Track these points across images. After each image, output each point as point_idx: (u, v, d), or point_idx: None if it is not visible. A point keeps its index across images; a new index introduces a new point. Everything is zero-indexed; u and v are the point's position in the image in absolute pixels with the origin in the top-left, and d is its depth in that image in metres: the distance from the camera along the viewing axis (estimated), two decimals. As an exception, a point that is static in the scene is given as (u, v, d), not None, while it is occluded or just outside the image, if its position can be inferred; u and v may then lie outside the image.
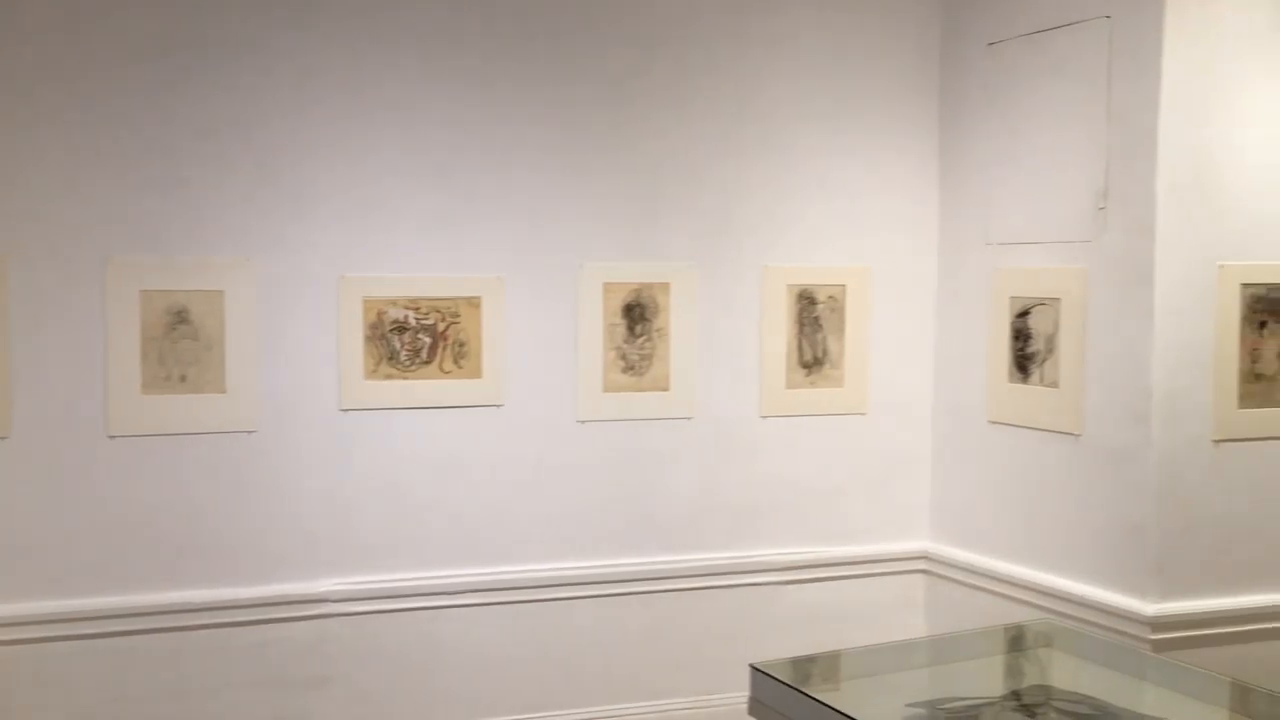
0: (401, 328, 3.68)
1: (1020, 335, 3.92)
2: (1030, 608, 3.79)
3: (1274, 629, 3.58)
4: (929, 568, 4.32)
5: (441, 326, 3.72)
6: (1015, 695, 2.37)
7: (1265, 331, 3.54)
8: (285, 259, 3.60)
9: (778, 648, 3.87)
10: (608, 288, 3.89)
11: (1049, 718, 2.24)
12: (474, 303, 3.75)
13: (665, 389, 3.98)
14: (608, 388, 3.91)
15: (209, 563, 3.58)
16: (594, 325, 3.88)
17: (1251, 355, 3.53)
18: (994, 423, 4.05)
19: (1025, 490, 3.93)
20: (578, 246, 3.88)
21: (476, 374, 3.76)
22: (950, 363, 4.27)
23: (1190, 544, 3.51)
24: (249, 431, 3.57)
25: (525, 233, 3.83)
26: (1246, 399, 3.54)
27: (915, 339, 4.31)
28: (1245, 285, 3.51)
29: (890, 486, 4.32)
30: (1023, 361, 3.92)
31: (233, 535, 3.59)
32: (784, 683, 2.35)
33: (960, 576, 4.18)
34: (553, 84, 3.83)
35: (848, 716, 2.17)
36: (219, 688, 3.59)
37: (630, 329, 3.94)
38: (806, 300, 4.15)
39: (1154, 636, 3.44)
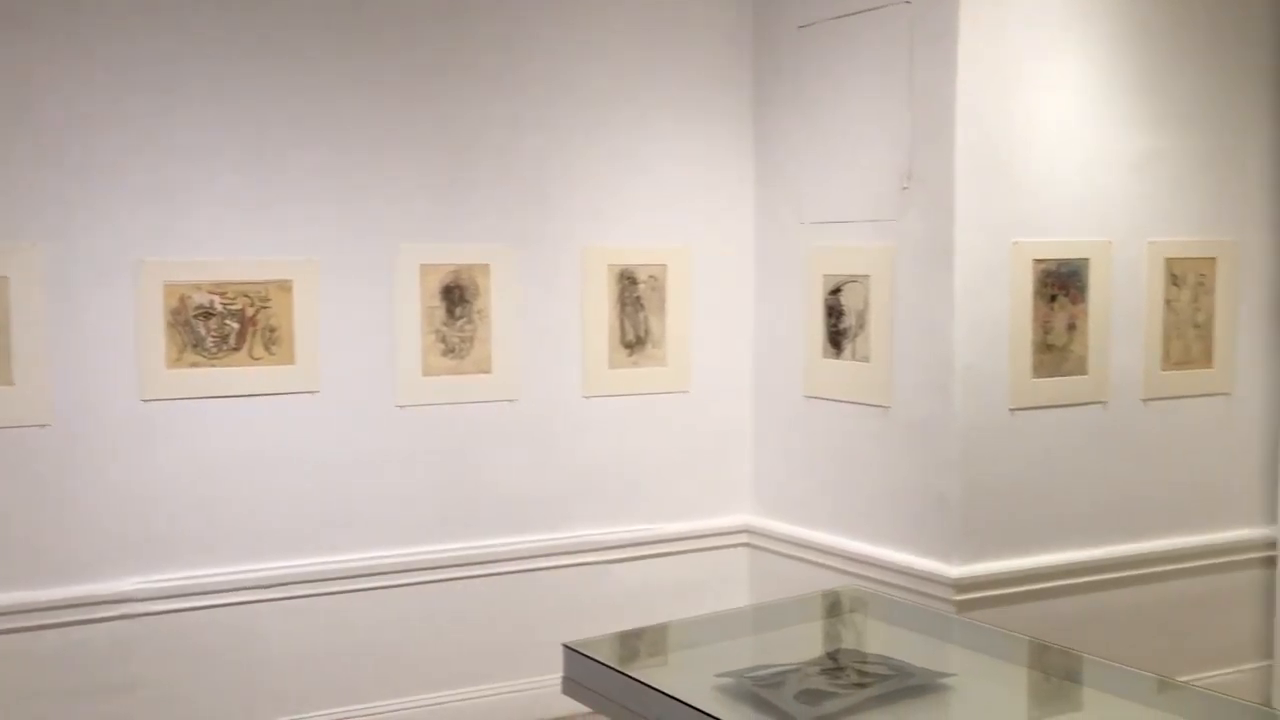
0: (207, 314, 3.54)
1: (833, 312, 4.04)
2: (846, 575, 3.91)
3: (1068, 585, 3.80)
4: (751, 541, 4.42)
5: (250, 312, 3.60)
6: (821, 660, 2.44)
7: (1055, 305, 3.74)
8: (77, 243, 3.41)
9: (606, 627, 3.88)
10: (425, 269, 3.83)
11: (850, 679, 2.32)
12: (285, 286, 3.64)
13: (487, 371, 3.95)
14: (427, 371, 3.86)
15: (6, 564, 3.38)
16: (411, 308, 3.82)
17: (1044, 327, 3.73)
18: (810, 397, 4.17)
19: (840, 462, 4.06)
20: (394, 227, 3.81)
21: (289, 360, 3.65)
22: (769, 340, 4.36)
23: (990, 508, 3.69)
24: (42, 426, 3.39)
25: (339, 213, 3.73)
26: (1039, 369, 3.73)
27: (735, 317, 4.39)
28: (1037, 261, 3.70)
29: (713, 462, 4.39)
30: (836, 337, 4.04)
31: (30, 535, 3.41)
32: (596, 660, 2.36)
33: (781, 548, 4.29)
34: (365, 60, 3.74)
35: (656, 690, 2.21)
36: (27, 696, 3.40)
37: (450, 311, 3.89)
38: (628, 280, 4.17)
39: (958, 598, 3.60)
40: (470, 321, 3.91)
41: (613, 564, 4.22)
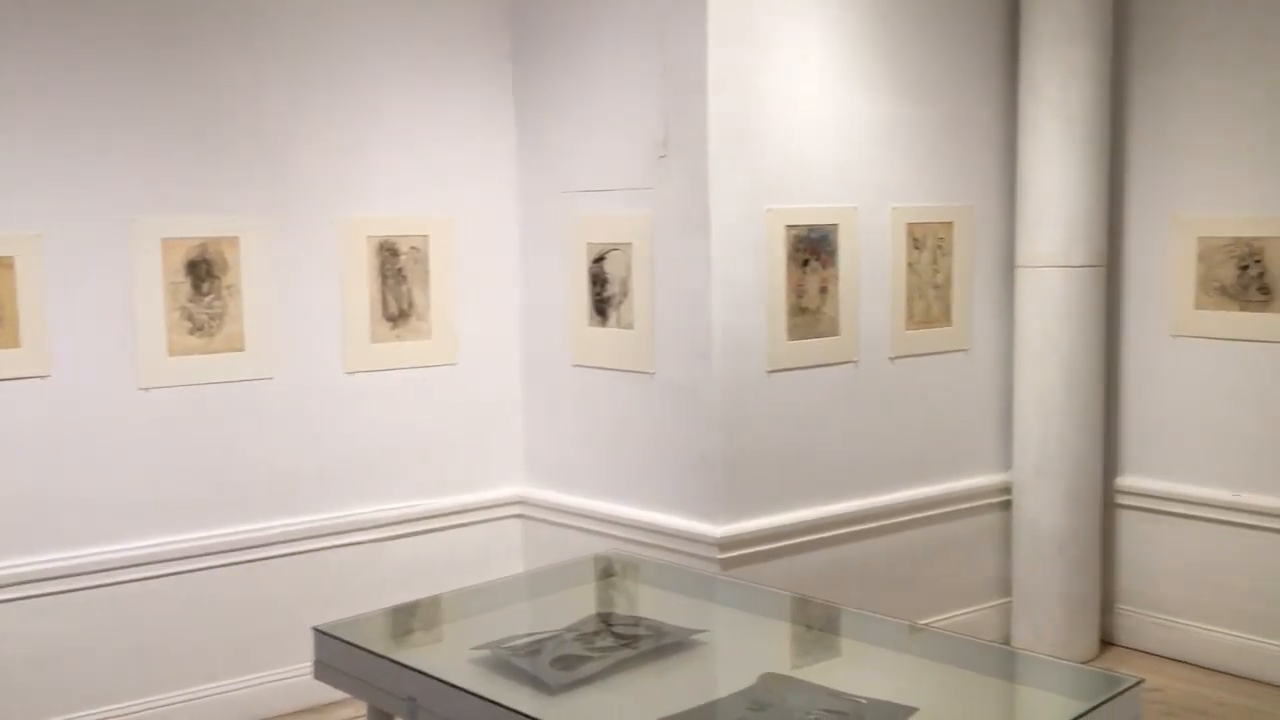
0: (-85, 295, 3.24)
1: (597, 280, 4.06)
2: (618, 541, 3.96)
3: (825, 538, 3.97)
4: (525, 512, 4.41)
5: (-34, 292, 3.31)
6: (579, 625, 2.46)
7: (807, 269, 3.87)
8: None
9: (379, 607, 3.81)
10: (167, 244, 3.62)
11: (605, 642, 2.34)
12: (6, 263, 3.37)
13: (240, 349, 3.78)
14: (174, 351, 3.65)
15: None
16: (153, 284, 3.61)
17: (797, 291, 3.86)
18: (578, 366, 4.18)
19: (608, 429, 4.10)
20: (130, 200, 3.57)
21: (14, 343, 3.39)
22: (536, 309, 4.35)
23: (751, 468, 3.80)
24: None
25: (68, 185, 3.47)
26: (794, 331, 3.86)
27: (501, 287, 4.35)
28: (789, 227, 3.82)
29: (483, 434, 4.35)
30: (601, 305, 4.07)
31: None
32: (346, 641, 2.30)
33: (554, 518, 4.31)
34: (94, 23, 3.48)
35: (408, 668, 2.17)
36: None
37: (196, 287, 3.69)
38: (389, 252, 4.07)
39: (722, 556, 3.71)
40: (219, 298, 3.73)
41: (383, 542, 4.13)
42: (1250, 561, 4.11)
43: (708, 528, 3.73)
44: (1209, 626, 4.23)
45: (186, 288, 3.67)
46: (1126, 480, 4.43)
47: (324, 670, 2.34)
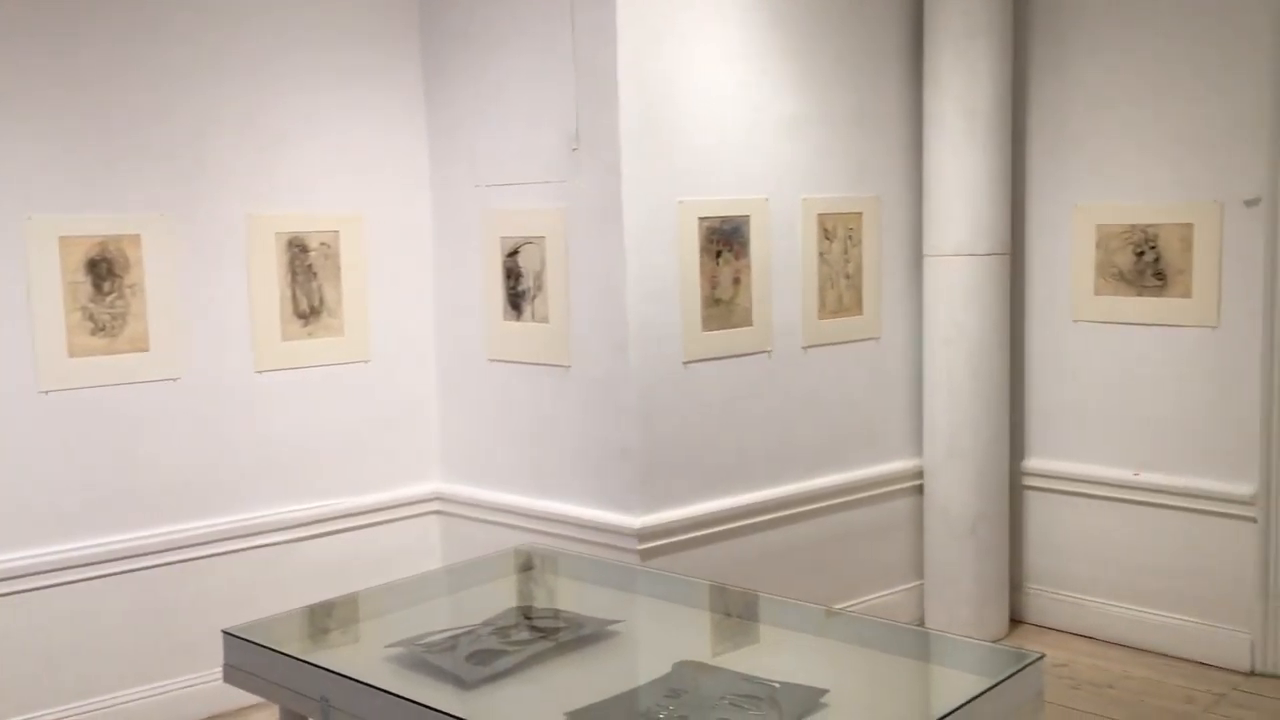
0: None
1: (511, 274, 4.05)
2: (537, 535, 3.95)
3: (742, 526, 4.01)
4: (442, 508, 4.38)
5: None
6: (495, 620, 2.45)
7: (721, 260, 3.90)
8: None
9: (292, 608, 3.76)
10: (65, 242, 3.52)
11: (521, 636, 2.34)
12: (-107, 265, 3.24)
13: (145, 349, 3.69)
14: (74, 352, 3.56)
15: None
16: (51, 284, 3.51)
17: (711, 282, 3.88)
18: (494, 360, 4.17)
19: (526, 423, 4.09)
20: (24, 195, 3.47)
21: (-97, 347, 3.27)
22: (450, 304, 4.32)
23: (668, 459, 3.82)
24: None
25: (-43, 183, 3.36)
26: (709, 322, 3.89)
27: (414, 282, 4.32)
28: (702, 219, 3.84)
29: (398, 431, 4.31)
30: (515, 299, 4.05)
31: None
32: (256, 643, 2.27)
33: (472, 513, 4.29)
34: (-21, 12, 3.37)
35: (319, 668, 2.14)
36: None
37: (97, 286, 3.60)
38: (298, 248, 4.01)
39: (641, 547, 3.72)
40: (121, 297, 3.64)
41: (297, 543, 4.07)
42: (1150, 539, 4.25)
43: (626, 519, 3.75)
44: (1113, 602, 4.36)
45: (87, 287, 3.57)
46: (1032, 462, 4.55)
47: (234, 674, 2.30)
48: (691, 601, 2.87)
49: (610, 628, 2.39)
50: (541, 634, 2.35)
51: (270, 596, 3.95)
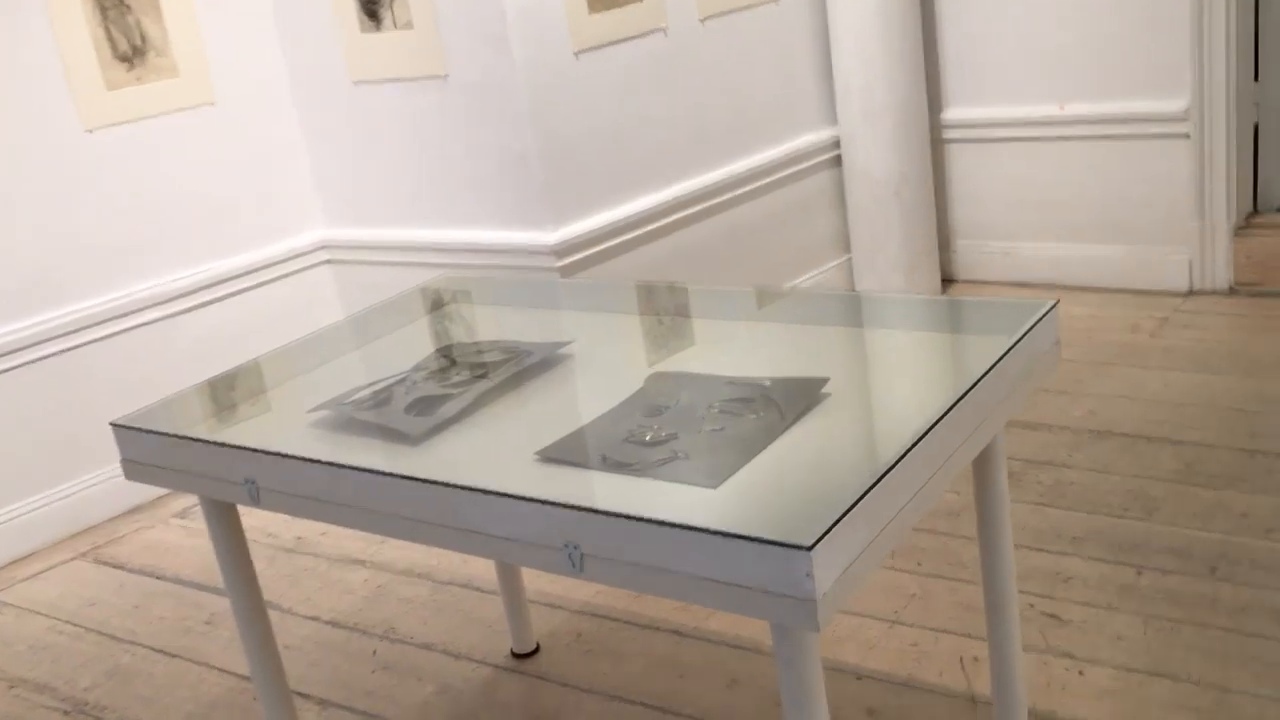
0: None
1: (360, -24, 3.49)
2: (444, 269, 3.61)
3: (661, 227, 3.72)
4: (332, 256, 3.99)
5: None
6: (426, 363, 2.14)
7: (599, -74, 3.39)
8: None
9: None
10: None
11: (461, 376, 2.05)
12: None
13: (-58, 123, 3.12)
14: None
15: None
16: None
17: (591, -45, 3.39)
18: (359, 83, 3.67)
19: (406, 149, 3.66)
20: None
21: None
22: (296, 26, 3.75)
23: (572, 164, 3.46)
24: None
25: None
26: (595, 4, 3.43)
27: (251, 5, 3.72)
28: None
29: (267, 180, 3.84)
30: (371, 6, 3.52)
31: None
32: (154, 431, 1.94)
33: (367, 256, 3.91)
34: None
35: (236, 447, 1.83)
36: None
37: None
38: (99, -22, 3.37)
39: (560, 264, 3.42)
40: (-105, 62, 3.02)
41: (178, 318, 3.67)
42: (1080, 174, 4.09)
43: (538, 236, 3.42)
44: (1045, 244, 4.25)
45: None
46: (952, 114, 4.30)
47: (136, 469, 1.98)
48: (634, 309, 2.57)
49: (560, 351, 2.11)
50: (483, 371, 2.05)
51: (162, 380, 3.58)
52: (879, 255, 4.25)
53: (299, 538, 3.40)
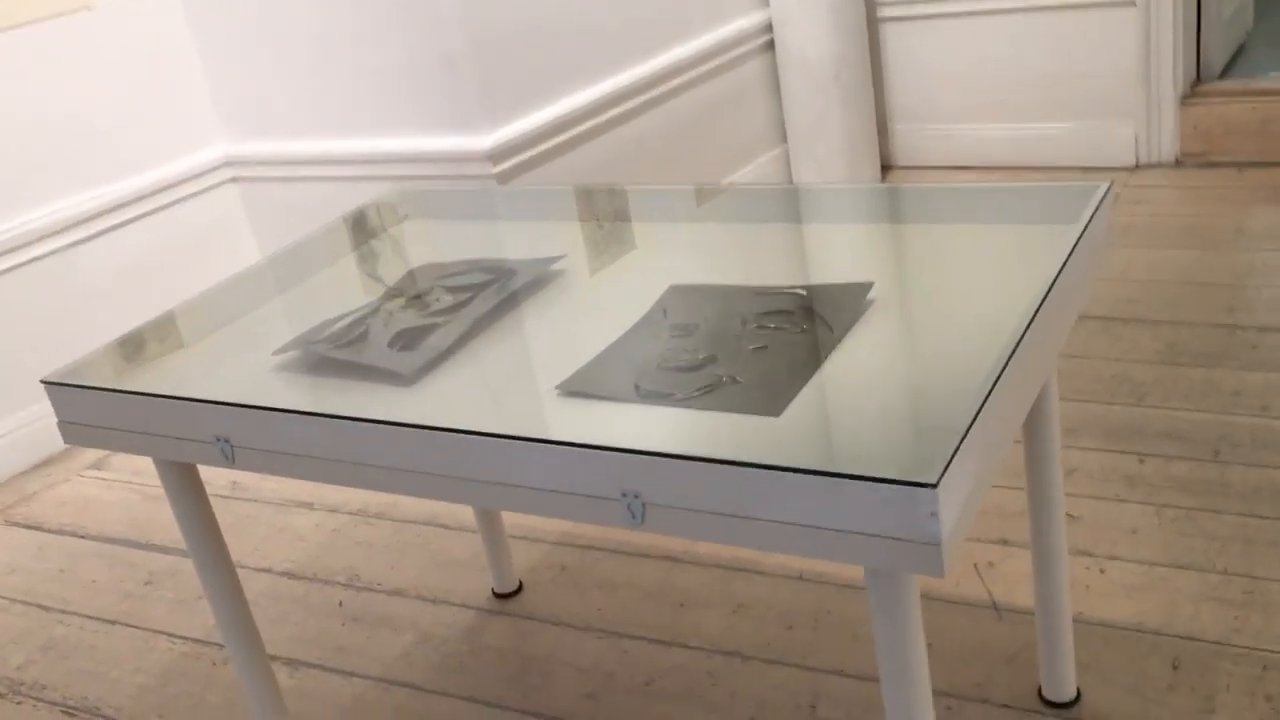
0: None
1: None
2: (368, 182, 3.33)
3: (597, 125, 3.49)
4: (239, 174, 3.66)
5: None
6: (394, 291, 1.91)
7: None
8: None
9: (94, 329, 3.11)
10: None
11: (442, 302, 1.82)
12: None
13: None
14: None
15: None
16: None
17: None
18: (254, -22, 3.30)
19: (314, 51, 3.32)
20: None
21: None
22: (176, -86, 3.35)
23: (503, 63, 3.19)
24: None
25: None
26: (518, -123, 3.12)
27: (120, -108, 3.31)
28: None
29: (159, 90, 3.47)
30: (263, -110, 3.14)
31: None
32: (95, 388, 1.68)
33: (278, 172, 3.59)
34: None
35: (195, 400, 1.59)
36: None
37: None
38: None
39: (496, 170, 3.18)
40: None
41: (76, 247, 3.33)
42: (1023, 49, 3.97)
43: (471, 141, 3.16)
44: (987, 125, 4.13)
45: None
46: (888, -10, 4.11)
47: (74, 430, 1.72)
48: (622, 215, 2.34)
49: (553, 267, 1.90)
50: (468, 295, 1.83)
51: (67, 320, 3.26)
52: (819, 143, 4.08)
53: (234, 482, 3.15)
